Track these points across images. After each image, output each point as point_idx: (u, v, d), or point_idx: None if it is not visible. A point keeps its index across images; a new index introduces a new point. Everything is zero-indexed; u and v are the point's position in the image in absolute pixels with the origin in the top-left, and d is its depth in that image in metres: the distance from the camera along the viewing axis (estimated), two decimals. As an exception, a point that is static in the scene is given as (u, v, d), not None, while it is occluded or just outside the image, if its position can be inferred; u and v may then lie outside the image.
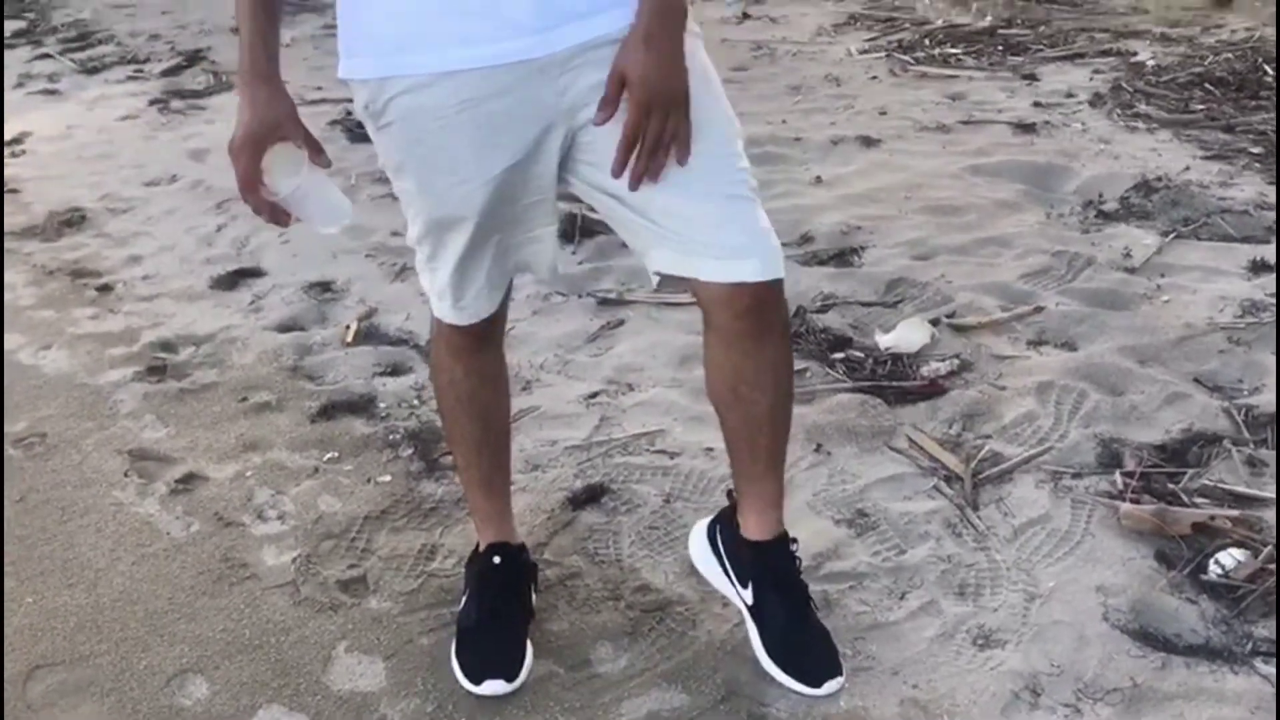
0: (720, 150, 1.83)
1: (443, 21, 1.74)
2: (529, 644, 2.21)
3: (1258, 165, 4.12)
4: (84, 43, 6.64)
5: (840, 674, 2.11)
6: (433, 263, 1.99)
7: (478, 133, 1.79)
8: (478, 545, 2.32)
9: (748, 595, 2.18)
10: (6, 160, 4.93)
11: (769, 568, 2.17)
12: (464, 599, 2.29)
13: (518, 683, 2.14)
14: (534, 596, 2.32)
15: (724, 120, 1.86)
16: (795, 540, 2.20)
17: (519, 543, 2.33)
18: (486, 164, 1.81)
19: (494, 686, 2.13)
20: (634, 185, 1.80)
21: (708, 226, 1.83)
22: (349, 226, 3.59)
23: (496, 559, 2.27)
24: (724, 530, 2.23)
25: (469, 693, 2.14)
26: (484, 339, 2.12)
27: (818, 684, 2.09)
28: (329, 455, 2.89)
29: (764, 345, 1.94)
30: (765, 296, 1.88)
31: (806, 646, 2.13)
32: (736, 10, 6.50)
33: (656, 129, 1.75)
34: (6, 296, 3.78)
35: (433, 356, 2.23)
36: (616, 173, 1.80)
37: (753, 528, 2.17)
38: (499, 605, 2.24)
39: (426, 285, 2.06)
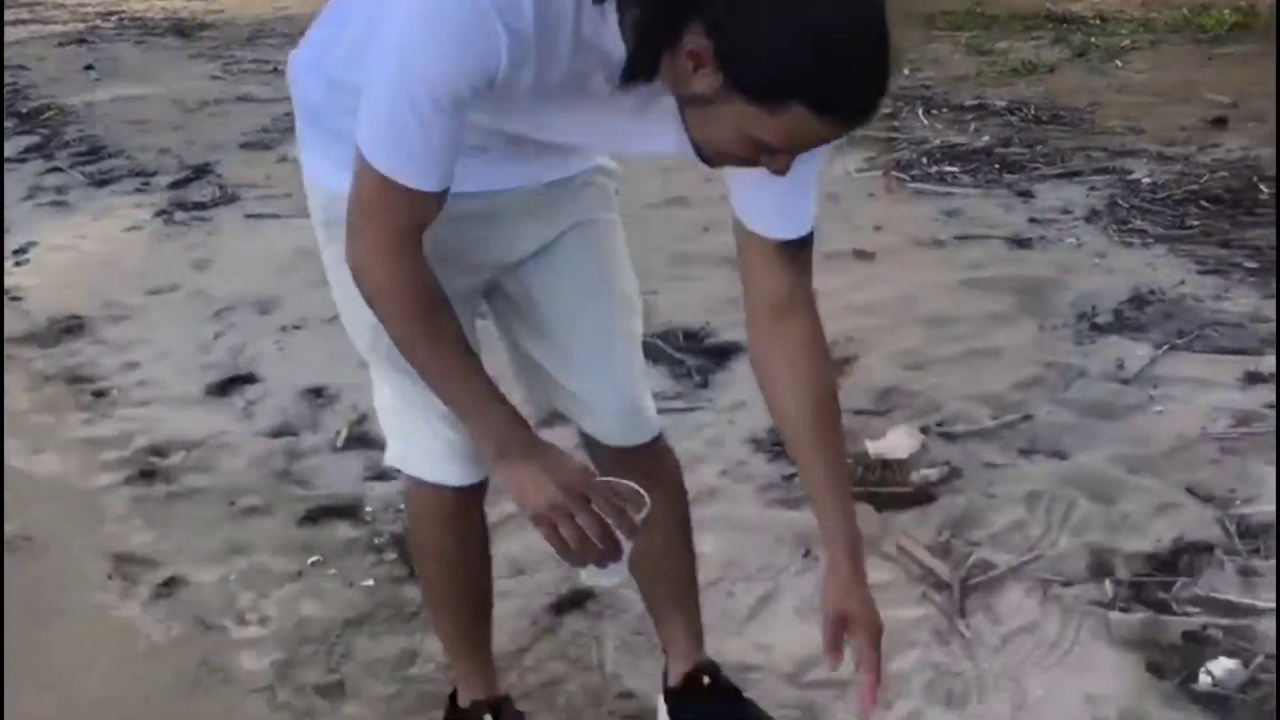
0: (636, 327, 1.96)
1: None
2: None
3: (1253, 280, 4.14)
4: (95, 156, 6.73)
5: None
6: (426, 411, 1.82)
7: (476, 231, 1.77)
8: (455, 694, 2.20)
9: None
10: (11, 269, 4.98)
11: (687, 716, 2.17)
12: None
13: None
14: None
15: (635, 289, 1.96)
16: (710, 669, 2.18)
17: (504, 694, 2.22)
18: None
19: None
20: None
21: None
22: (345, 334, 3.59)
23: (488, 718, 2.15)
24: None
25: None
26: (477, 496, 1.99)
27: None
28: (313, 559, 2.87)
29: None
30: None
31: None
32: None
33: (879, 656, 1.71)
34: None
35: (415, 532, 2.09)
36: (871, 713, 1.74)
37: (671, 675, 2.20)
38: None
39: (422, 445, 1.90)
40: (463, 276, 1.76)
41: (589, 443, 2.00)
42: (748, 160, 1.42)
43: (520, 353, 1.96)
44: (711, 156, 1.45)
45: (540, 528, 1.54)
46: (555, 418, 2.09)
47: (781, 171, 1.43)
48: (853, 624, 1.68)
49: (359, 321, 1.75)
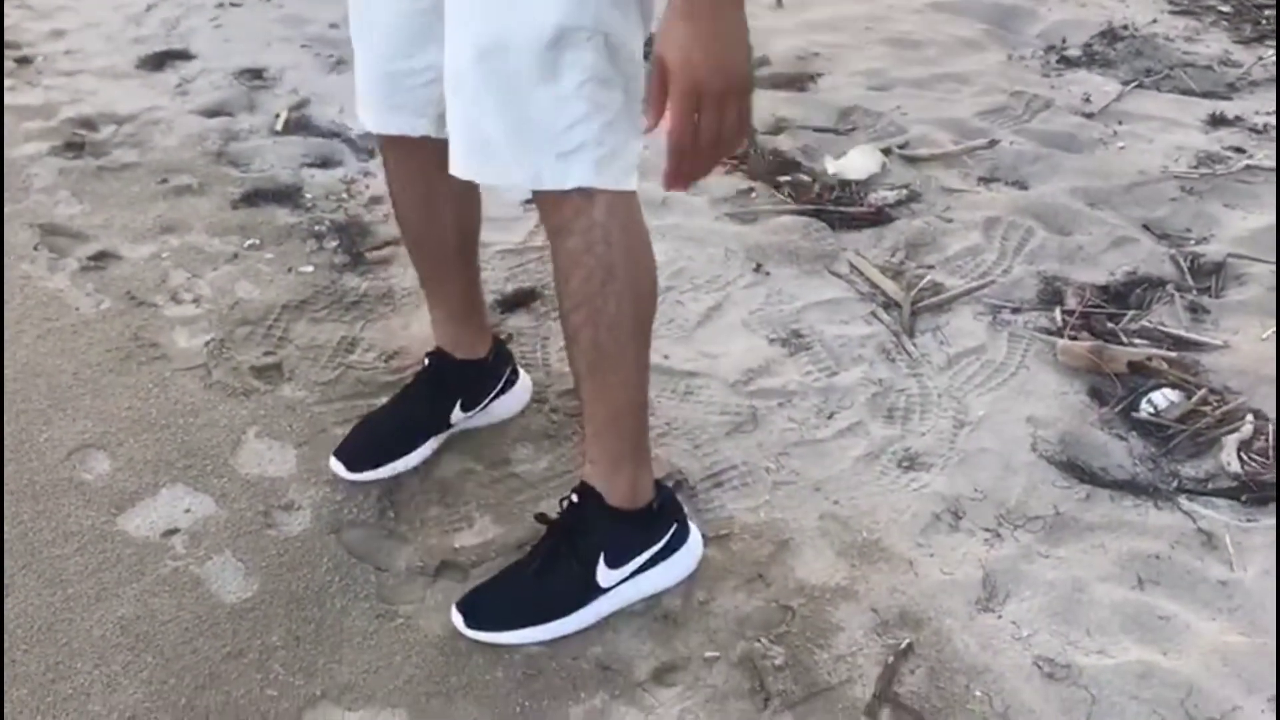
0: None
1: None
2: (422, 449, 2.13)
3: (1225, 24, 4.03)
4: None
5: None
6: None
7: None
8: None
9: None
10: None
11: None
12: None
13: (372, 475, 2.09)
14: (460, 413, 2.15)
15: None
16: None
17: (463, 356, 2.13)
18: None
19: (337, 468, 2.10)
20: (677, 186, 1.46)
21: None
22: (285, 15, 3.43)
23: (426, 360, 2.15)
24: None
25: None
26: (407, 150, 1.92)
27: None
28: (250, 242, 2.77)
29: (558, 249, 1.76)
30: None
31: None
32: None
33: (711, 126, 1.38)
34: (-82, 62, 3.58)
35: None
36: (668, 184, 1.44)
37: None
38: (405, 401, 2.16)
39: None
40: None
41: None
42: None
43: None
44: None
45: None
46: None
47: None
48: (670, 72, 1.36)
49: None
